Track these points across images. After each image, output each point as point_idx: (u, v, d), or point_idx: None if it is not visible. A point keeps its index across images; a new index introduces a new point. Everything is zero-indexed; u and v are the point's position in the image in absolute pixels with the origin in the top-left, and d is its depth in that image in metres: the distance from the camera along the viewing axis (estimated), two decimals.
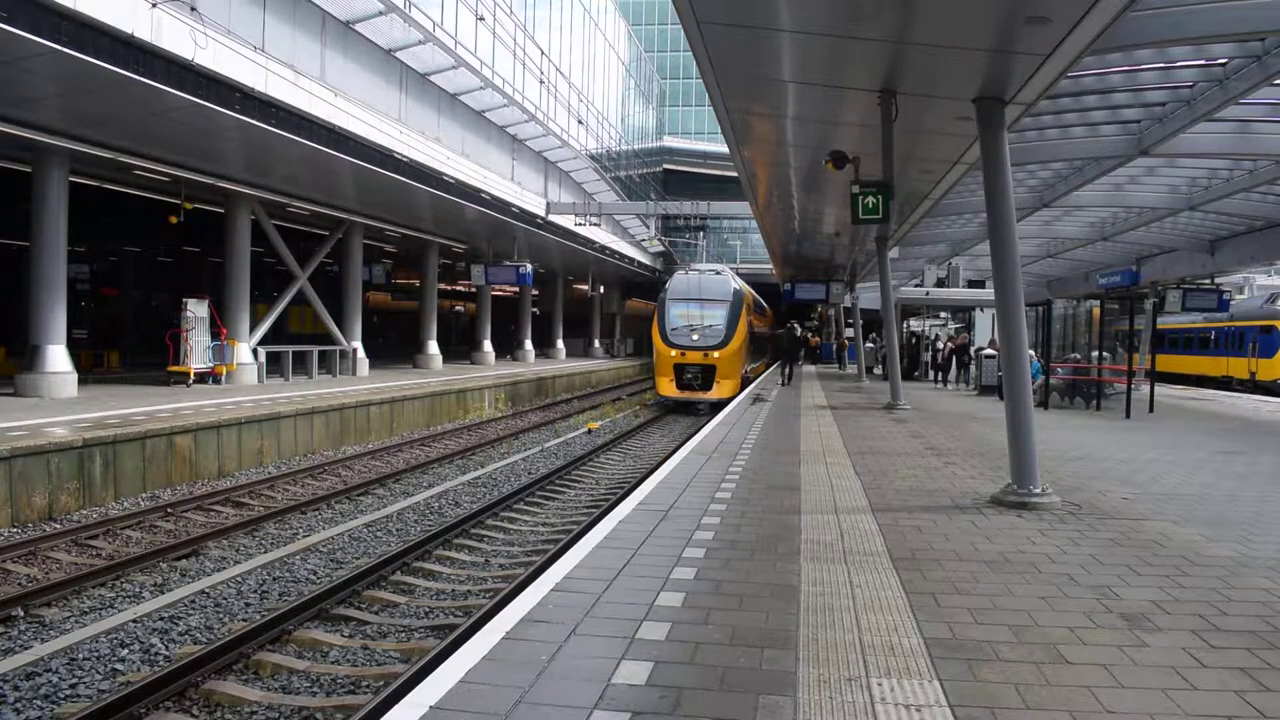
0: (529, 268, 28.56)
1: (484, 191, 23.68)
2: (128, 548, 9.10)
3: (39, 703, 5.46)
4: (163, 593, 7.57)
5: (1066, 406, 17.79)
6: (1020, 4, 6.34)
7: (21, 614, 6.96)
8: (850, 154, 10.23)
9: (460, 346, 40.67)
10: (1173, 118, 11.91)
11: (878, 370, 29.41)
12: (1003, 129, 8.19)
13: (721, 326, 24.85)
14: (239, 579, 7.99)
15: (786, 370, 26.69)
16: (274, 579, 8.10)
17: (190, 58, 12.18)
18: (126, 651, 6.25)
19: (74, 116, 13.97)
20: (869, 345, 31.81)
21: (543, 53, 30.12)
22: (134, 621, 6.78)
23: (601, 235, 36.58)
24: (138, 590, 7.68)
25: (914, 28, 7.20)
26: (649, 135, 57.56)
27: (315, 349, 23.00)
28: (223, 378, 18.76)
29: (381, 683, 5.71)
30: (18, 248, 20.63)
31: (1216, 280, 26.62)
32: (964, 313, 31.73)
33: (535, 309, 45.03)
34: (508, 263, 28.95)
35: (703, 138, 62.95)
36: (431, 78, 21.77)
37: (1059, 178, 16.76)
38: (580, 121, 35.06)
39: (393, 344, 37.60)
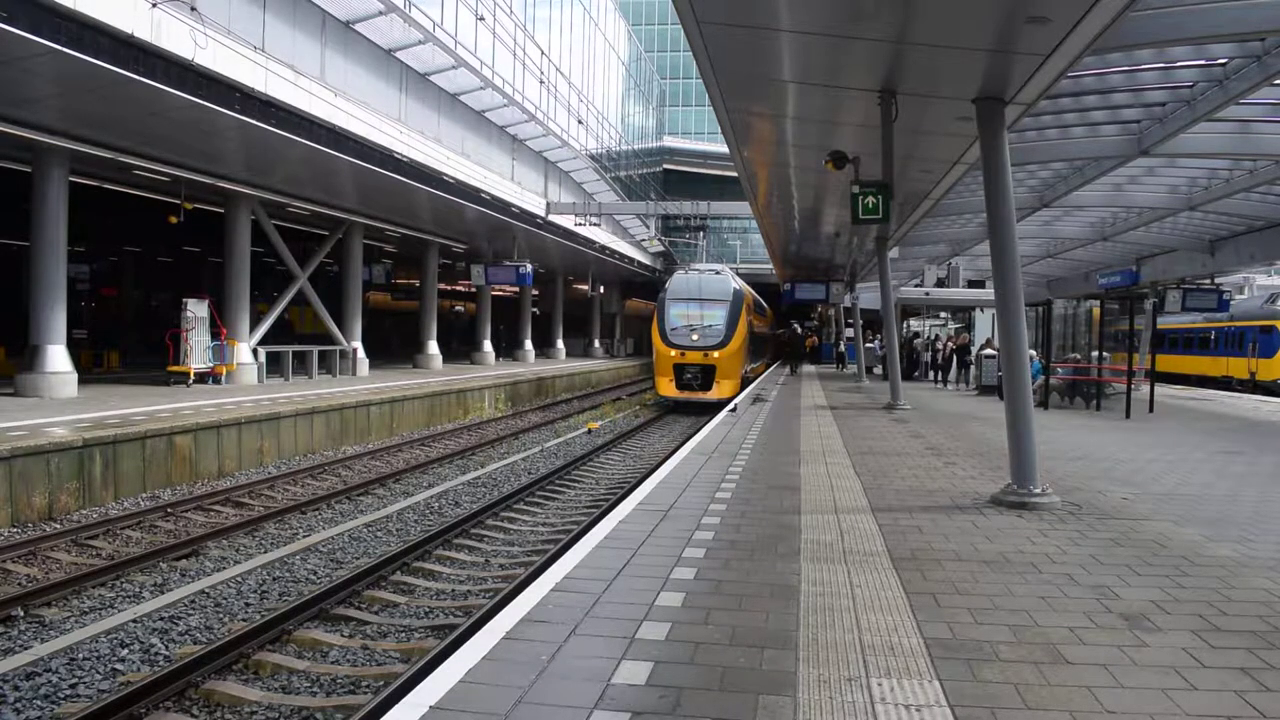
0: (529, 268, 28.56)
1: (484, 191, 23.67)
2: (128, 548, 9.10)
3: (39, 703, 5.46)
4: (163, 593, 7.57)
5: (1066, 406, 17.79)
6: (1020, 4, 6.34)
7: (21, 614, 6.96)
8: (850, 154, 10.23)
9: (460, 346, 40.70)
10: (1173, 118, 11.90)
11: (878, 370, 29.43)
12: (1003, 129, 8.18)
13: (721, 326, 24.85)
14: (239, 579, 7.99)
15: (790, 366, 33.47)
16: (274, 579, 8.10)
17: (190, 58, 12.17)
18: (126, 651, 6.25)
19: (74, 116, 13.97)
20: (869, 346, 31.90)
21: (543, 53, 30.10)
22: (134, 621, 6.77)
23: (601, 235, 36.57)
24: (138, 590, 7.68)
25: (914, 28, 7.20)
26: (649, 135, 57.52)
27: (315, 349, 23.00)
28: (223, 378, 18.75)
29: (381, 683, 5.71)
30: (18, 248, 20.63)
31: (1216, 280, 26.62)
32: (964, 313, 31.76)
33: (535, 309, 45.01)
34: (508, 263, 28.95)
35: (703, 138, 62.89)
36: (431, 78, 21.76)
37: (1059, 178, 16.75)
38: (580, 121, 35.03)
39: (393, 343, 37.54)
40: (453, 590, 8.00)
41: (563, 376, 30.43)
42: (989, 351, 19.96)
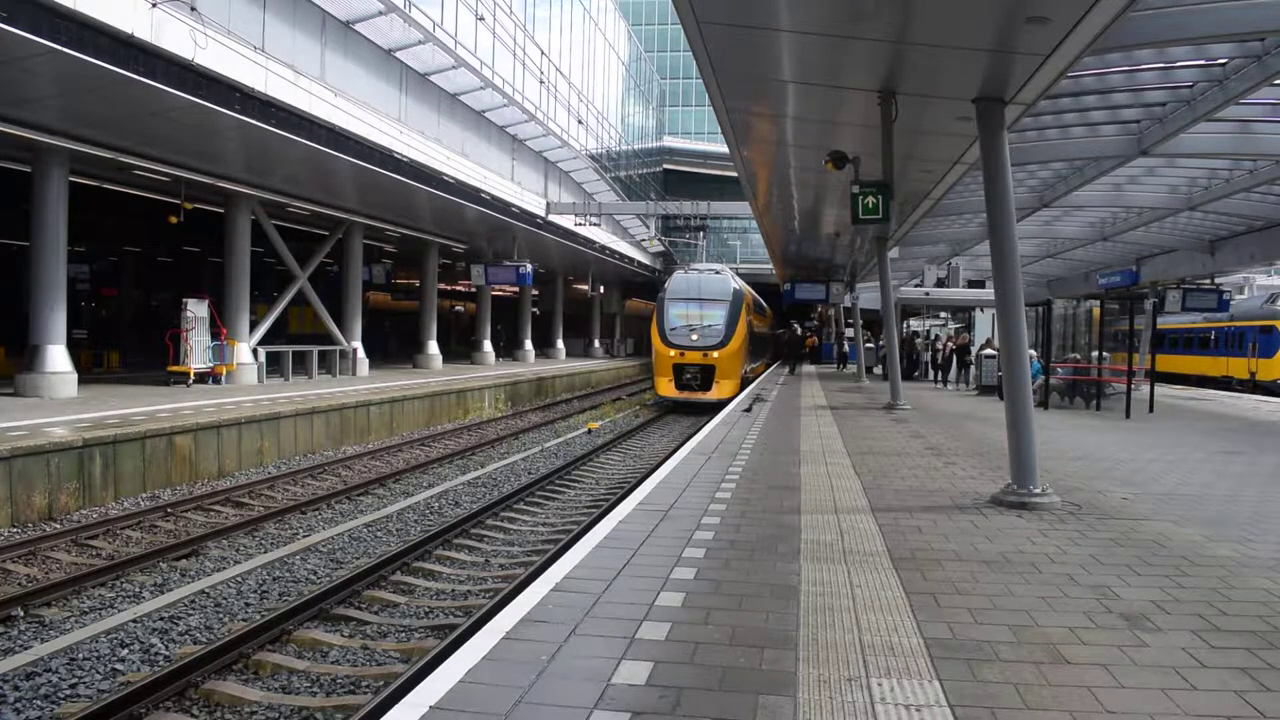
0: (529, 268, 28.56)
1: (484, 191, 23.67)
2: (128, 548, 9.10)
3: (39, 703, 5.46)
4: (163, 593, 7.57)
5: (1066, 406, 17.78)
6: (1020, 4, 6.34)
7: (21, 614, 6.96)
8: (850, 154, 10.24)
9: (460, 346, 40.65)
10: (1173, 118, 11.91)
11: (878, 370, 29.45)
12: (1003, 129, 8.19)
13: (721, 326, 24.82)
14: (239, 579, 7.99)
15: (790, 366, 34.11)
16: (274, 579, 8.10)
17: (190, 58, 12.17)
18: (126, 651, 6.25)
19: (74, 116, 13.97)
20: (869, 346, 31.92)
21: (543, 53, 30.11)
22: (134, 621, 6.77)
23: (601, 235, 36.57)
24: (138, 590, 7.68)
25: (914, 28, 7.20)
26: (649, 135, 57.52)
27: (315, 349, 23.00)
28: (223, 378, 18.75)
29: (381, 683, 5.71)
30: (18, 248, 20.62)
31: (1216, 280, 26.63)
32: (964, 313, 31.77)
33: (535, 309, 45.01)
34: (508, 263, 28.94)
35: (703, 138, 62.91)
36: (431, 78, 21.76)
37: (1059, 178, 16.76)
38: (580, 121, 35.04)
39: (393, 344, 37.55)
40: (453, 590, 8.00)
41: (562, 376, 30.42)
42: (989, 351, 19.96)
